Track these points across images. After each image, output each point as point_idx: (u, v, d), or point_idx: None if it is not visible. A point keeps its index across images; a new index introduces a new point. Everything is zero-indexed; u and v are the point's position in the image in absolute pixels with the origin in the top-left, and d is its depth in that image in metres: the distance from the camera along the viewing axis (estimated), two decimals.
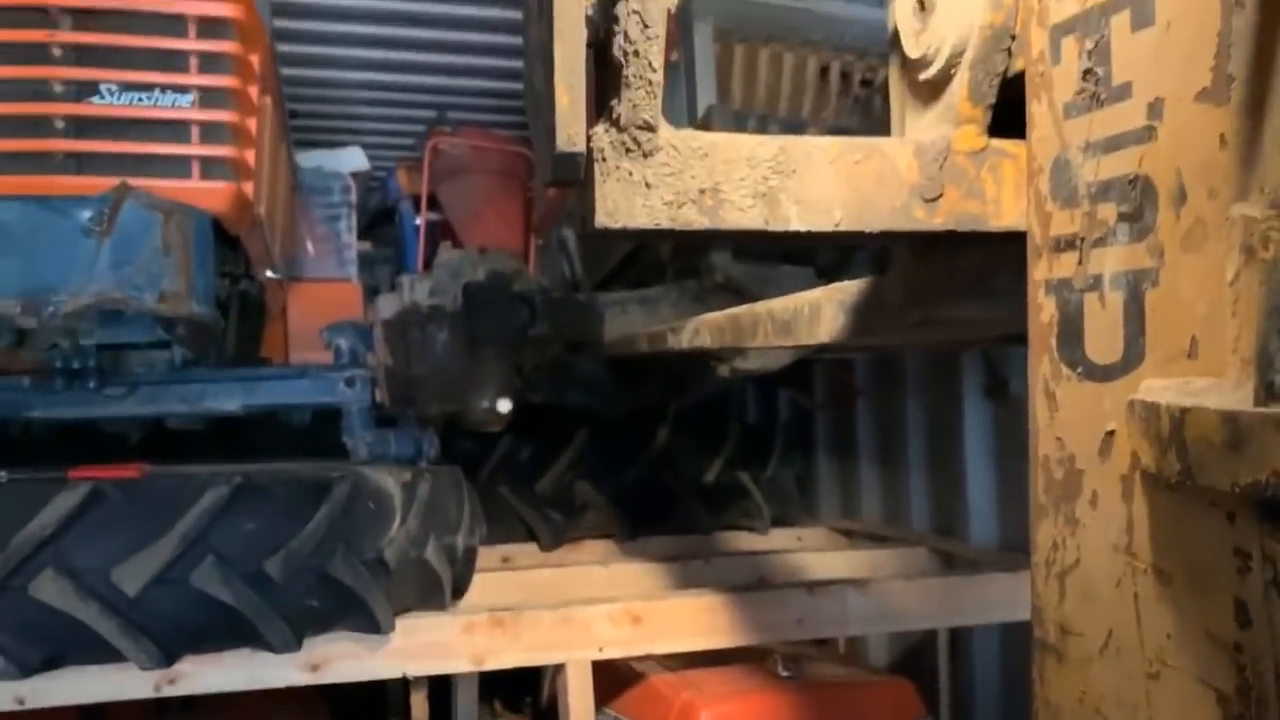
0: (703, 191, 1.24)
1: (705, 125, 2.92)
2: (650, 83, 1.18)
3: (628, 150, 1.21)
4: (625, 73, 1.18)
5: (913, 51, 1.33)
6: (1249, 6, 0.82)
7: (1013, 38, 1.24)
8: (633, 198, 1.21)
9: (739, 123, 2.94)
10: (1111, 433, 0.96)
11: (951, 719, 3.86)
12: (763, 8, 3.30)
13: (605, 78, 1.23)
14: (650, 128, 1.20)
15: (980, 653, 4.03)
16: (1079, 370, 1.00)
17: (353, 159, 6.13)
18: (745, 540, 4.59)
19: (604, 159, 1.20)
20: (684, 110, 3.16)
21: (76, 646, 2.56)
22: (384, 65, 5.81)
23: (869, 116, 3.14)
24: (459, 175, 5.60)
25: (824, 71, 3.37)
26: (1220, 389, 0.82)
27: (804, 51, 3.31)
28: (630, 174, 1.21)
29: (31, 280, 2.53)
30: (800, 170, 1.27)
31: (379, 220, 6.78)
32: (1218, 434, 0.76)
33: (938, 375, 4.28)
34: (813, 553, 4.23)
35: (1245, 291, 0.80)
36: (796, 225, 1.27)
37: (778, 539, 4.62)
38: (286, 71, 5.10)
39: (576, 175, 1.18)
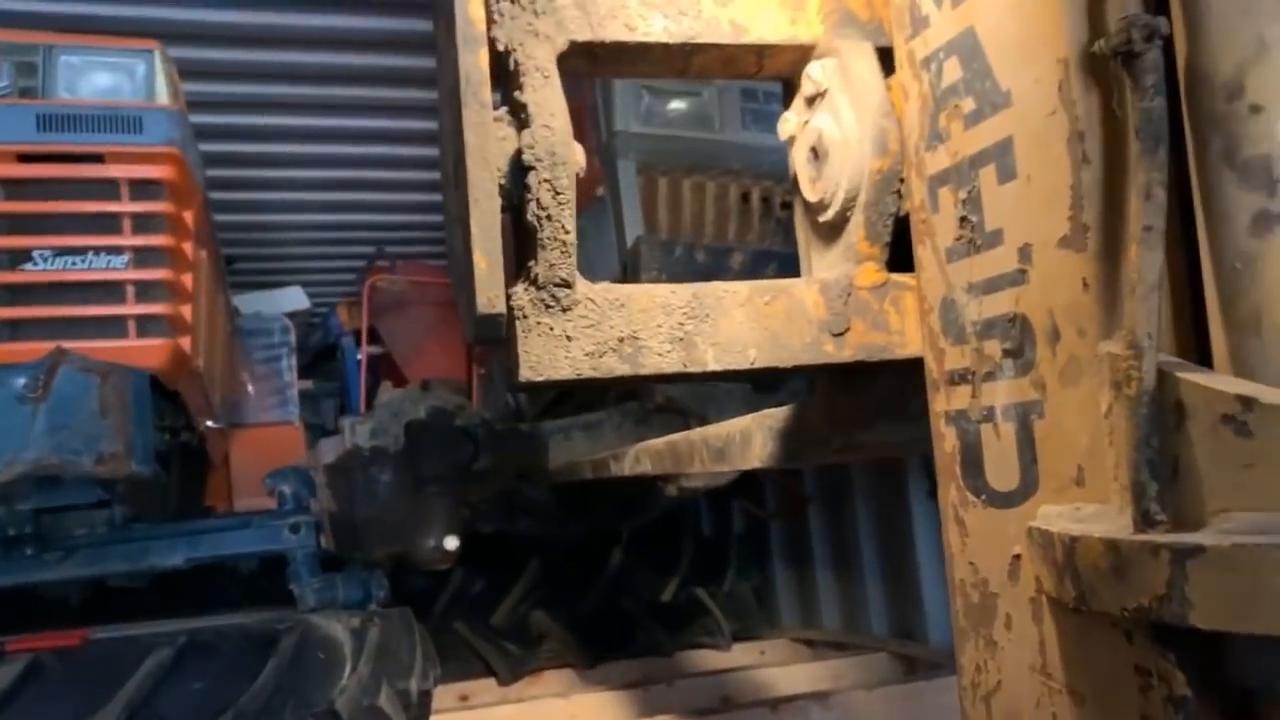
0: (621, 340, 1.29)
1: (634, 255, 3.01)
2: (564, 243, 1.24)
3: (547, 306, 1.26)
4: (540, 236, 1.24)
5: (811, 196, 1.41)
6: (1094, 162, 0.90)
7: (902, 180, 1.33)
8: (555, 351, 1.26)
9: (667, 251, 3.04)
10: (1018, 557, 1.00)
11: None
12: (682, 141, 3.44)
13: (522, 238, 1.29)
14: (567, 284, 1.26)
15: None
16: (982, 497, 1.05)
17: (292, 298, 6.17)
18: (708, 658, 4.54)
19: (525, 316, 1.25)
20: (613, 242, 3.26)
21: None
22: (321, 206, 5.92)
23: (791, 237, 3.25)
24: (399, 310, 5.67)
25: (745, 197, 3.50)
26: (1106, 515, 0.87)
27: (725, 180, 3.44)
28: (551, 329, 1.26)
29: None
30: (713, 314, 1.33)
31: (322, 357, 6.80)
32: (1103, 561, 0.81)
33: (884, 480, 4.34)
34: (775, 667, 4.21)
35: (1118, 424, 0.86)
36: (714, 366, 1.32)
37: (740, 654, 4.58)
38: (222, 218, 5.18)
39: (498, 334, 1.23)
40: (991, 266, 1.02)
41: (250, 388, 4.92)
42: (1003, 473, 1.02)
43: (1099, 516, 0.88)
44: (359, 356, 5.86)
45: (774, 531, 5.29)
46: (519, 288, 1.26)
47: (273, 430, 4.70)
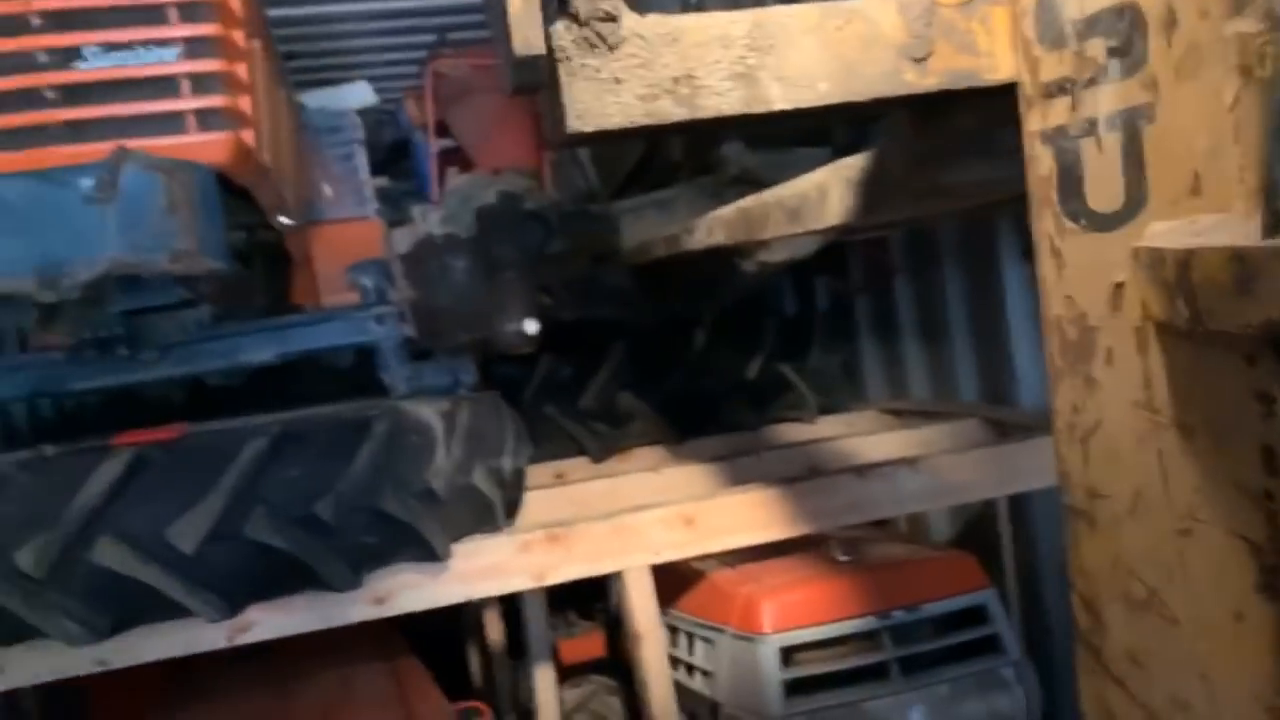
0: (676, 80, 1.18)
1: (697, 4, 2.81)
2: None
3: (591, 46, 1.15)
4: None
5: None
6: None
7: None
8: (603, 96, 1.16)
9: None
10: (1120, 284, 0.90)
11: (1017, 586, 3.85)
12: None
13: None
14: (612, 18, 1.14)
15: (1041, 517, 4.01)
16: (1082, 222, 0.94)
17: (359, 94, 6.03)
18: (794, 431, 4.56)
19: (567, 58, 1.14)
20: None
21: (145, 607, 2.62)
22: None
23: None
24: (465, 98, 5.50)
25: None
26: (1228, 225, 0.76)
27: None
28: (597, 71, 1.15)
29: (42, 255, 2.53)
30: (778, 45, 1.20)
31: (395, 153, 6.71)
32: (1225, 274, 0.71)
33: (974, 244, 4.18)
34: (863, 437, 4.20)
35: (1246, 116, 0.73)
36: (780, 104, 1.20)
37: (826, 427, 4.59)
38: (277, 12, 5.02)
39: (539, 79, 1.13)
40: None
41: (325, 185, 4.88)
42: (1105, 191, 0.91)
43: (1219, 227, 0.77)
44: (431, 150, 5.76)
45: (860, 305, 5.20)
46: (559, 26, 1.14)
47: (351, 226, 4.67)
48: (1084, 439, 0.99)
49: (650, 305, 4.45)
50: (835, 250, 4.82)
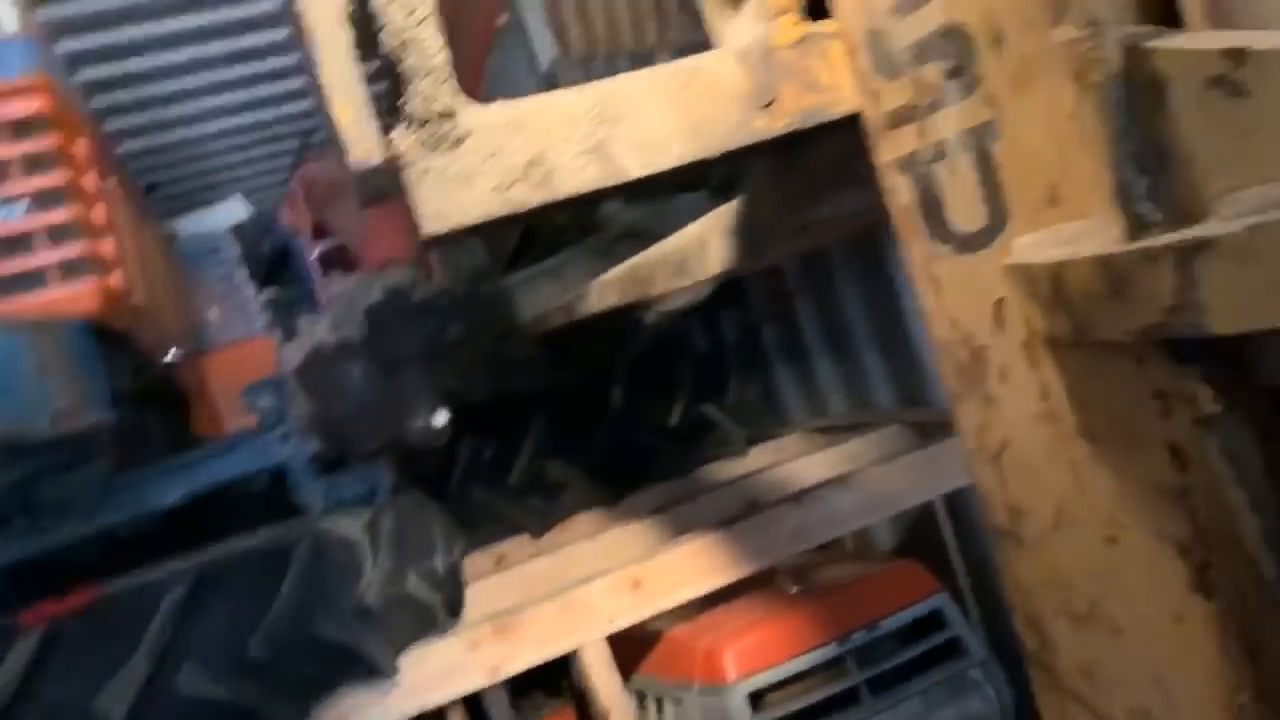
0: (529, 165, 1.15)
1: (551, 80, 2.81)
2: (434, 69, 1.09)
3: (434, 146, 1.11)
4: (403, 66, 1.08)
5: None
6: None
7: None
8: (455, 194, 1.12)
9: (586, 70, 2.83)
10: (1000, 301, 0.89)
11: (970, 584, 3.86)
12: None
13: (390, 78, 1.13)
14: (449, 114, 1.11)
15: (980, 511, 4.02)
16: (951, 245, 0.94)
17: (232, 211, 5.93)
18: (727, 469, 4.54)
19: (411, 162, 1.10)
20: (530, 72, 3.04)
21: None
22: (235, 108, 5.59)
23: None
24: (338, 196, 5.43)
25: None
26: (1091, 232, 0.76)
27: None
28: (444, 170, 1.12)
29: None
30: (624, 114, 1.18)
31: (279, 262, 6.58)
32: (1097, 282, 0.70)
33: (865, 255, 4.23)
34: (793, 461, 4.19)
35: (1088, 122, 0.73)
36: (636, 172, 1.18)
37: (757, 458, 4.57)
38: (133, 145, 4.91)
39: (383, 190, 1.09)
40: None
41: (211, 310, 4.77)
42: (967, 212, 0.90)
43: (1084, 235, 0.76)
44: (312, 255, 5.66)
45: (767, 332, 5.22)
46: (397, 131, 1.11)
47: (243, 347, 4.57)
48: (995, 458, 0.98)
49: (561, 370, 4.40)
50: (734, 283, 4.84)
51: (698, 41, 3.19)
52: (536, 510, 4.28)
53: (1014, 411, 0.92)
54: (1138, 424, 0.77)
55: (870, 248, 4.16)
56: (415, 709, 2.89)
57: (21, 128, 2.66)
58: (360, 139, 1.04)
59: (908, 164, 0.96)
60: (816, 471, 3.94)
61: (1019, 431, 0.93)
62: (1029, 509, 0.94)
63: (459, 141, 1.12)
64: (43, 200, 2.67)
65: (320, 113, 5.91)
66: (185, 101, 5.24)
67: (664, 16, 3.24)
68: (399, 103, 1.11)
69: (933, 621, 3.17)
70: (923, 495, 3.53)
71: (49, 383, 2.44)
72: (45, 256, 2.64)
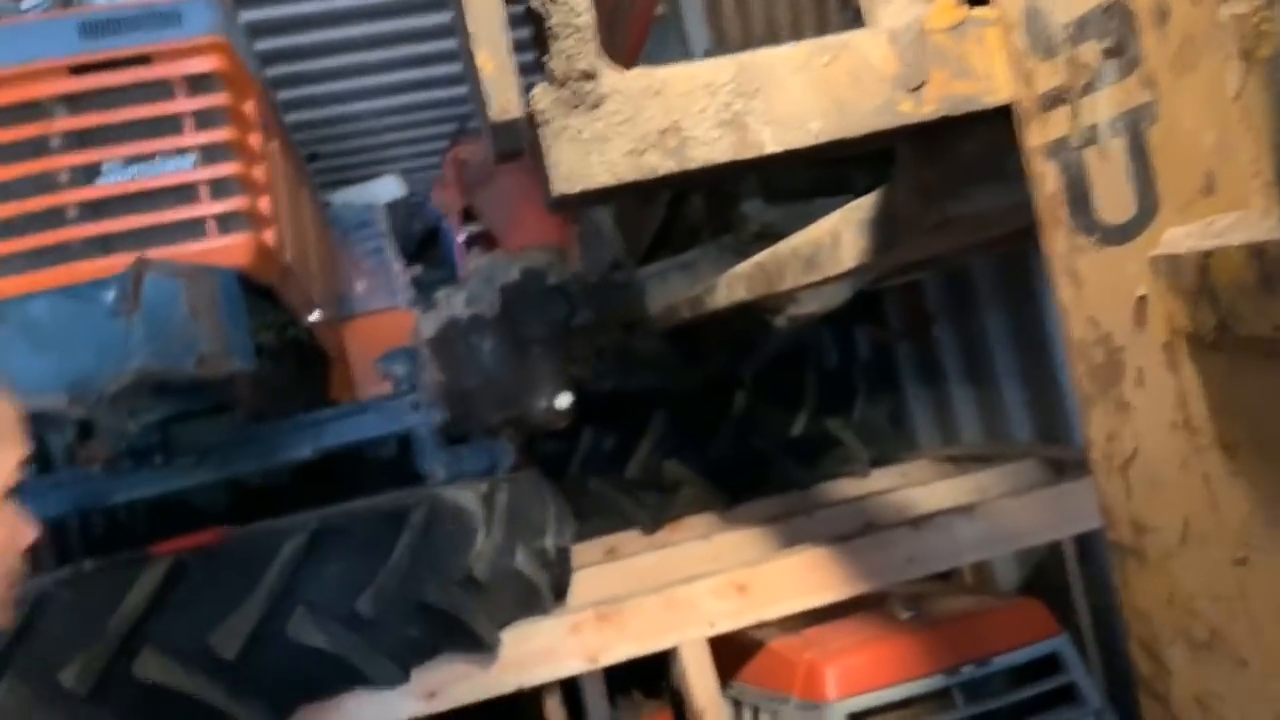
0: (663, 133, 1.14)
1: None
2: (578, 27, 1.09)
3: (572, 106, 1.11)
4: (549, 23, 1.08)
5: None
6: None
7: None
8: (588, 155, 1.12)
9: None
10: (1143, 298, 0.84)
11: (1092, 631, 3.68)
12: None
13: (536, 33, 1.14)
14: (589, 75, 1.11)
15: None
16: (1095, 236, 0.88)
17: (388, 188, 6.13)
18: (847, 487, 4.45)
19: (548, 120, 1.11)
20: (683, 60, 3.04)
21: (192, 717, 2.58)
22: (398, 87, 5.79)
23: None
24: (488, 181, 5.55)
25: None
26: (1246, 222, 0.70)
27: None
28: (580, 131, 1.12)
29: (72, 371, 2.55)
30: (765, 87, 1.16)
31: (427, 243, 6.78)
32: (1247, 272, 0.64)
33: (1011, 281, 4.10)
34: (917, 487, 4.08)
35: (1252, 103, 0.68)
36: (771, 147, 1.16)
37: (880, 480, 4.47)
38: (297, 116, 5.12)
39: (520, 144, 1.09)
40: None
41: (357, 280, 4.93)
42: (1115, 200, 0.85)
43: (1238, 226, 0.70)
44: (458, 237, 5.81)
45: (901, 353, 5.11)
46: (537, 89, 1.11)
47: (383, 317, 4.70)
48: (1123, 468, 0.92)
49: (687, 369, 4.40)
50: (872, 299, 4.75)
51: None
52: (650, 506, 4.28)
53: (1147, 419, 0.86)
54: None
55: (1018, 274, 4.03)
56: (513, 685, 2.92)
57: (197, 83, 2.80)
58: (502, 92, 1.04)
59: (1056, 149, 0.91)
60: (940, 499, 3.83)
61: (1151, 440, 0.87)
62: (1154, 524, 0.88)
63: (597, 103, 1.12)
64: (209, 154, 2.79)
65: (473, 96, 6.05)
66: (352, 78, 5.46)
67: (823, 14, 3.19)
68: (542, 59, 1.11)
69: (1049, 664, 3.04)
70: (1051, 534, 3.39)
71: (197, 327, 2.56)
72: (206, 208, 2.77)
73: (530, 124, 1.11)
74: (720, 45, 2.97)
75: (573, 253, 5.03)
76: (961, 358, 4.65)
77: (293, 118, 4.40)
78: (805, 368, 4.89)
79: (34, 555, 3.09)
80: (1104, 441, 0.94)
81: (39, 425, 2.80)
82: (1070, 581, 3.81)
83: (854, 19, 3.19)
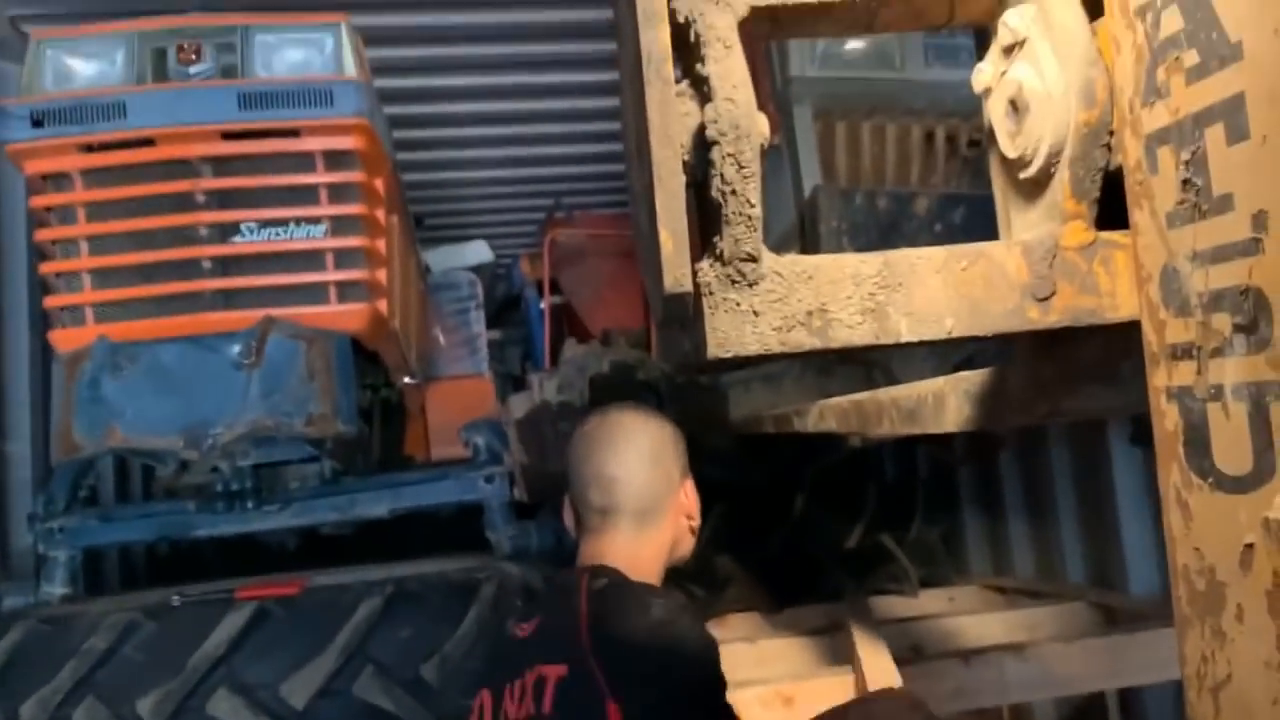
0: (810, 313, 1.26)
1: (812, 205, 2.94)
2: (749, 217, 1.22)
3: (733, 282, 1.24)
4: (725, 211, 1.22)
5: (1010, 152, 1.33)
6: None
7: (1110, 133, 1.23)
8: (742, 326, 1.25)
9: (846, 199, 2.95)
10: (1250, 546, 0.93)
11: None
12: (861, 83, 3.32)
13: (707, 214, 1.27)
14: (753, 258, 1.23)
15: (1153, 710, 3.83)
16: (1209, 480, 0.98)
17: (478, 252, 6.35)
18: (895, 605, 4.47)
19: (711, 293, 1.23)
20: (790, 191, 3.19)
21: None
22: (501, 162, 6.05)
23: (980, 177, 3.11)
24: (578, 261, 5.75)
25: (929, 137, 3.35)
26: None
27: (906, 120, 3.30)
28: (738, 304, 1.24)
29: (190, 415, 2.71)
30: (906, 283, 1.28)
31: (506, 307, 6.98)
32: None
33: (1081, 425, 4.14)
34: (965, 615, 4.10)
35: None
36: (908, 337, 1.28)
37: (928, 602, 4.49)
38: (409, 177, 5.36)
39: (686, 313, 1.22)
40: (1220, 234, 0.94)
41: (442, 341, 5.12)
42: (1234, 456, 0.95)
43: None
44: (542, 307, 6.00)
45: (963, 476, 5.14)
46: (705, 264, 1.24)
47: (464, 382, 4.88)
48: (1214, 690, 1.00)
49: (750, 468, 4.47)
50: None
51: (955, 193, 3.27)
52: (697, 598, 4.34)
53: (1244, 652, 0.95)
54: None
55: (1088, 422, 4.07)
56: None
57: (337, 159, 3.00)
58: (677, 268, 1.17)
59: (1180, 394, 1.02)
60: (989, 631, 3.84)
61: (1245, 671, 0.96)
62: None
63: (755, 282, 1.24)
64: (340, 225, 2.98)
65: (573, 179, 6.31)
66: (463, 148, 5.72)
67: (929, 163, 3.34)
68: (713, 240, 1.24)
69: None
70: (1098, 684, 3.41)
71: (312, 388, 2.72)
72: (331, 275, 2.95)
73: (695, 294, 1.24)
74: (829, 179, 3.12)
75: (654, 339, 5.17)
76: (1022, 490, 4.67)
77: (407, 178, 4.62)
78: (867, 480, 4.95)
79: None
80: (1198, 661, 1.02)
81: (148, 458, 2.97)
82: None
83: (963, 166, 3.33)
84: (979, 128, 3.20)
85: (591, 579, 1.69)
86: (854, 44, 3.34)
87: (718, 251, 1.24)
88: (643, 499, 1.69)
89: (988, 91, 1.38)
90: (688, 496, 1.75)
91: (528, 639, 1.66)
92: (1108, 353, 1.35)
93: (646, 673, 1.53)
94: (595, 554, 1.73)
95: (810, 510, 4.70)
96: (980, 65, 1.39)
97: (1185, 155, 0.98)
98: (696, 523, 1.80)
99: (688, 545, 1.80)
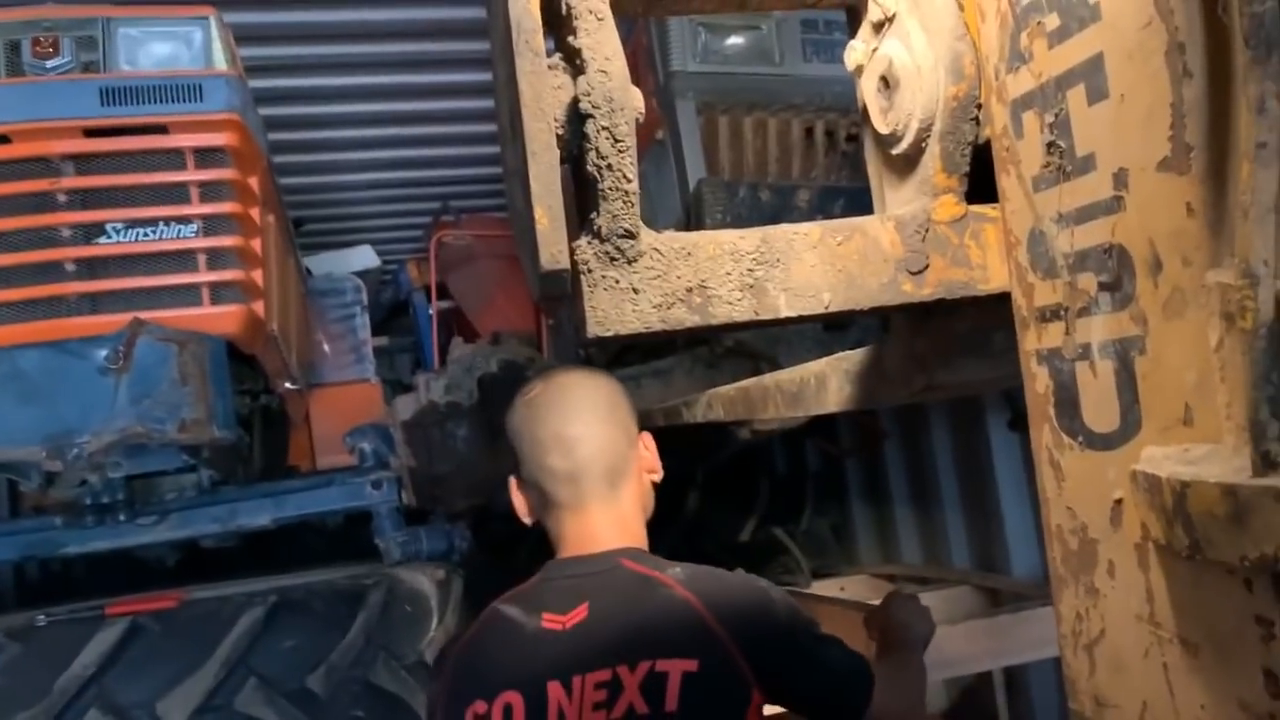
0: (690, 290, 1.25)
1: (697, 199, 2.95)
2: (626, 193, 1.20)
3: (612, 259, 1.22)
4: (601, 186, 1.20)
5: (882, 128, 1.35)
6: (1196, 76, 0.83)
7: (979, 106, 1.26)
8: (621, 304, 1.23)
9: (730, 192, 2.97)
10: (1119, 501, 0.95)
11: None
12: (742, 78, 3.34)
13: (583, 189, 1.25)
14: (631, 235, 1.22)
15: (1038, 687, 3.95)
16: (1080, 439, 1.00)
17: (362, 257, 6.21)
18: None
19: (589, 270, 1.22)
20: (675, 185, 3.20)
21: None
22: (385, 164, 5.93)
23: (858, 171, 3.17)
24: (466, 264, 5.68)
25: (809, 132, 3.40)
26: (1219, 456, 0.82)
27: (787, 115, 3.34)
28: (616, 282, 1.23)
29: (54, 424, 2.58)
30: (784, 259, 1.28)
31: (394, 313, 6.86)
32: (1220, 508, 0.76)
33: (962, 412, 4.25)
34: (855, 602, 4.17)
35: (1230, 358, 0.80)
36: (786, 312, 1.28)
37: (820, 591, 4.55)
38: (289, 180, 5.21)
39: (563, 290, 1.20)
40: (1084, 194, 0.96)
41: (326, 347, 4.99)
42: (1101, 413, 0.96)
43: (1211, 458, 0.82)
44: (430, 312, 5.90)
45: (850, 468, 5.23)
46: (582, 241, 1.22)
47: (350, 389, 4.76)
48: (1089, 647, 1.02)
49: None
50: (825, 415, 4.88)
51: (835, 186, 3.32)
52: None
53: (1116, 606, 0.97)
54: (1236, 643, 0.82)
55: (968, 408, 4.18)
56: None
57: (208, 156, 2.89)
58: (553, 245, 1.14)
59: (1049, 357, 1.03)
60: None
61: (1117, 626, 0.98)
62: (1115, 702, 0.98)
63: (634, 260, 1.23)
64: (212, 225, 2.87)
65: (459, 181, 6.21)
66: (344, 151, 5.58)
67: (810, 157, 3.39)
68: (590, 217, 1.22)
69: None
70: (985, 663, 3.49)
71: (184, 393, 2.61)
72: (203, 276, 2.84)
73: (573, 272, 1.21)
74: (713, 172, 3.13)
75: (545, 342, 5.14)
76: (907, 480, 4.77)
77: (285, 181, 4.48)
78: (758, 474, 5.00)
79: None
80: (1073, 619, 1.04)
81: (9, 471, 2.81)
82: (997, 710, 3.90)
83: (843, 159, 3.37)
84: (856, 123, 3.25)
85: (653, 564, 1.56)
86: (735, 39, 3.37)
87: (595, 228, 1.22)
88: (608, 455, 1.54)
89: (860, 70, 1.40)
90: (648, 449, 1.64)
91: (573, 632, 1.48)
92: (980, 324, 1.37)
93: (781, 647, 1.47)
94: (588, 531, 1.56)
95: (704, 506, 4.72)
96: (852, 43, 1.40)
97: (1049, 118, 1.00)
98: (659, 476, 1.69)
99: (651, 503, 1.70)
